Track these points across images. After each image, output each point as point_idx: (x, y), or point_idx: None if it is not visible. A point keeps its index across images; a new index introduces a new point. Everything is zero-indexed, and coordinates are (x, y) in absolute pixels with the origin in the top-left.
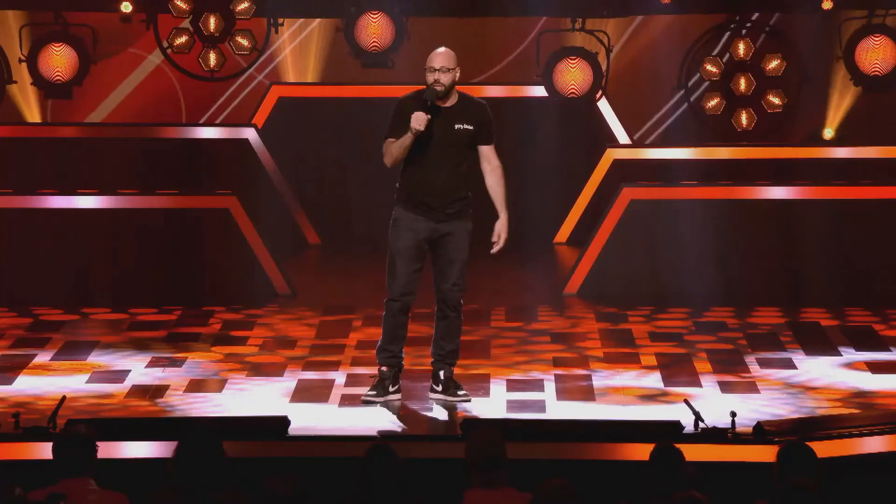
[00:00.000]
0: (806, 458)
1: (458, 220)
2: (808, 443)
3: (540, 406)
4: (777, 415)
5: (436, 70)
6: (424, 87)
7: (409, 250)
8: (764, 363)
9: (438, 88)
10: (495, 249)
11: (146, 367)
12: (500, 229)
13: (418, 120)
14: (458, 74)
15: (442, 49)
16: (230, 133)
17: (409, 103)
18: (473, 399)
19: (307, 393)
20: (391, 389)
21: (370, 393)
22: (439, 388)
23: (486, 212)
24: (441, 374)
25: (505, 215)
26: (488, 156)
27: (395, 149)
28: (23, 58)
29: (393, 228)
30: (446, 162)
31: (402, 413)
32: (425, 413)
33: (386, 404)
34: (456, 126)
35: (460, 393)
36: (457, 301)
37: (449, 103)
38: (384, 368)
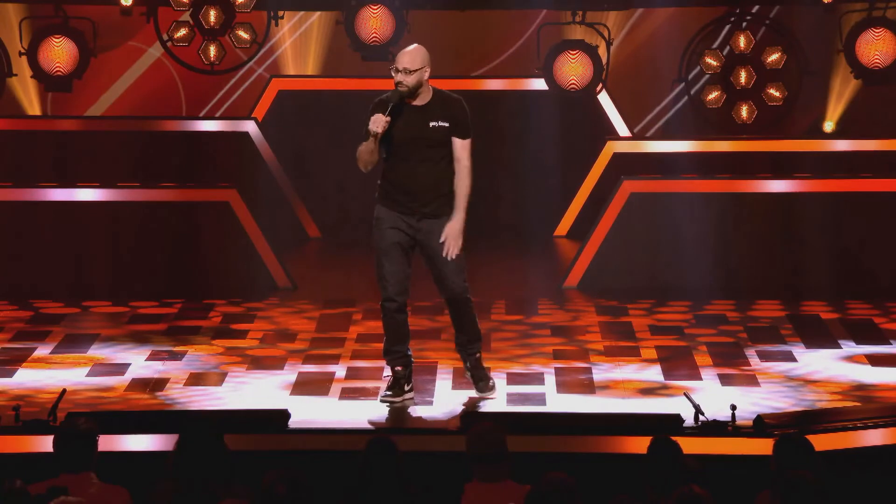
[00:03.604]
0: (803, 450)
1: (440, 218)
2: (808, 435)
3: (540, 399)
4: (777, 408)
5: (399, 71)
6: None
7: (393, 250)
8: (764, 356)
9: (402, 90)
10: (445, 252)
11: (146, 360)
12: (449, 232)
13: (376, 122)
14: (426, 74)
15: (410, 47)
16: (230, 126)
17: (379, 106)
18: (474, 392)
19: (307, 386)
20: (406, 388)
21: (387, 393)
22: (469, 378)
23: (481, 203)
24: (467, 363)
25: (459, 216)
26: (459, 152)
27: (362, 153)
28: (23, 51)
29: (376, 229)
30: (423, 161)
31: (404, 406)
32: (426, 406)
33: (403, 403)
34: (431, 124)
35: (489, 384)
36: (460, 295)
37: (421, 102)
38: (398, 368)
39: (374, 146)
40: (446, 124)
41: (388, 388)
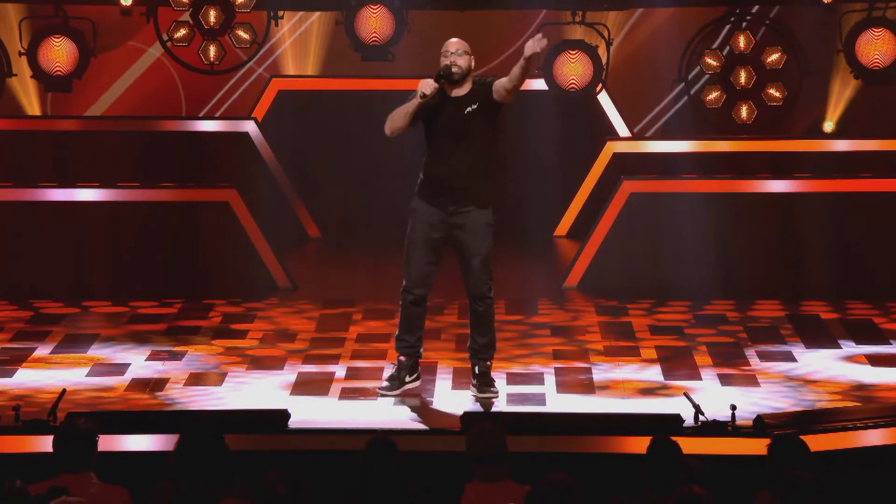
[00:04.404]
0: (797, 450)
1: (474, 213)
2: (807, 435)
3: (540, 399)
4: (777, 408)
5: (451, 53)
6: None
7: (423, 243)
8: (764, 356)
9: (455, 70)
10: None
11: (146, 360)
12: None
13: (426, 84)
14: (472, 63)
15: (456, 38)
16: (230, 126)
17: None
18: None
19: (307, 386)
20: (408, 379)
21: (385, 385)
22: (475, 383)
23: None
24: (476, 369)
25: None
26: (503, 80)
27: (397, 114)
28: (23, 51)
29: (411, 219)
30: (462, 152)
31: (403, 406)
32: (426, 406)
33: (403, 394)
34: (466, 111)
35: (491, 390)
36: (482, 293)
37: (461, 92)
38: (402, 358)
39: (412, 110)
40: (475, 105)
41: (387, 380)
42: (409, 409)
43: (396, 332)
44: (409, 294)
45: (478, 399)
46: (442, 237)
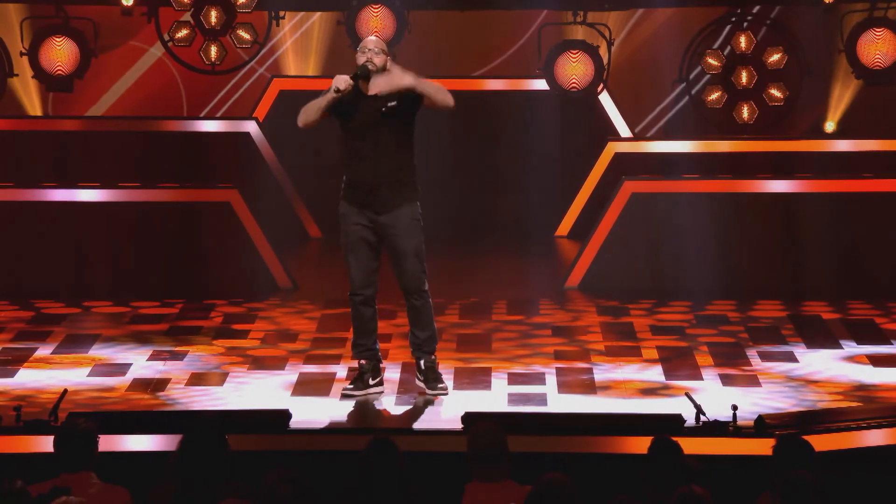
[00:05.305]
0: (802, 451)
1: (399, 208)
2: (809, 436)
3: (541, 399)
4: (778, 408)
5: (369, 50)
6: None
7: (358, 245)
8: (765, 356)
9: (371, 67)
10: (368, 61)
11: (147, 360)
12: (395, 73)
13: (341, 80)
14: (389, 61)
15: (374, 37)
16: (231, 126)
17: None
18: (474, 392)
19: (308, 386)
20: (371, 382)
21: (349, 387)
22: (422, 378)
23: (482, 203)
24: (421, 363)
25: (417, 80)
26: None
27: (311, 107)
28: (24, 51)
29: (341, 224)
30: (380, 148)
31: (403, 406)
32: (426, 406)
33: (366, 397)
34: (383, 109)
35: (440, 386)
36: (417, 288)
37: (375, 90)
38: (363, 362)
39: (325, 105)
40: (394, 102)
41: (351, 382)
42: (409, 409)
43: (353, 338)
44: (356, 296)
45: (426, 394)
46: (375, 236)
